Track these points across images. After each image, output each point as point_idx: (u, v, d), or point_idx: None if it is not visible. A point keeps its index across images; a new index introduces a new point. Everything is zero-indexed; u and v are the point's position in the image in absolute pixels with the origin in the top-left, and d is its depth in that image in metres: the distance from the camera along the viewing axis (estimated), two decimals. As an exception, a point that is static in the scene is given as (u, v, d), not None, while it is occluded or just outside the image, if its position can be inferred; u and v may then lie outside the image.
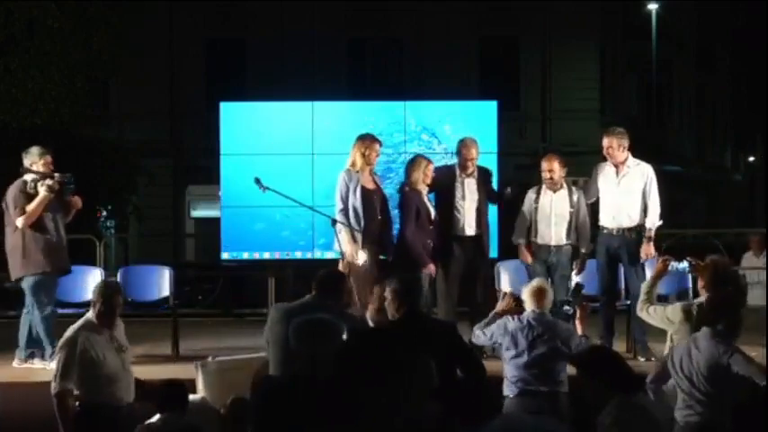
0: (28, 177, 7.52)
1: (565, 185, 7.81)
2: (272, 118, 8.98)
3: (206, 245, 19.40)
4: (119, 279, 8.30)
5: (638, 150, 7.87)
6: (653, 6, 25.77)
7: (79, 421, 5.71)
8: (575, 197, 7.76)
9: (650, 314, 6.01)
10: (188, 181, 23.59)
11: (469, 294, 7.83)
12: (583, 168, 9.12)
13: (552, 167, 7.73)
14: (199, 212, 23.28)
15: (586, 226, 7.88)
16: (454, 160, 8.04)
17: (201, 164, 19.97)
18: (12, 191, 7.49)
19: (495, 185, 8.24)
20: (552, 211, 7.75)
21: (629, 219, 7.64)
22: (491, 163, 8.42)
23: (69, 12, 15.97)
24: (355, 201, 7.45)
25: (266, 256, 8.79)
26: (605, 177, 7.75)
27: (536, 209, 7.79)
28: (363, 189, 7.51)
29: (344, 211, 7.48)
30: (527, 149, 21.91)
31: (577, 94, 23.91)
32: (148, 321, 8.95)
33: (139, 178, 18.69)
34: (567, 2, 23.22)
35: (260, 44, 23.49)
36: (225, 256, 8.87)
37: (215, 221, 9.49)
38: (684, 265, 6.55)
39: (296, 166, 8.74)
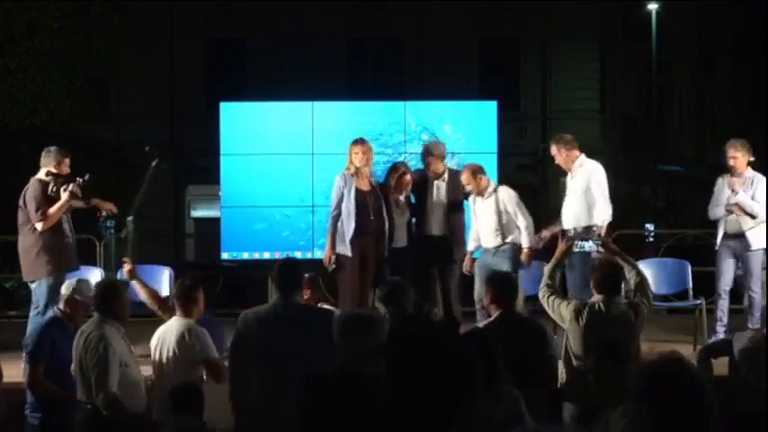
0: (46, 178, 7.37)
1: (491, 190, 7.98)
2: (272, 118, 9.00)
3: (206, 245, 19.39)
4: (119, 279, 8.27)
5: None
6: (653, 6, 25.73)
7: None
8: (500, 196, 7.94)
9: (549, 304, 5.86)
10: (188, 181, 23.58)
11: (443, 292, 8.10)
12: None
13: (466, 179, 7.93)
14: (199, 212, 23.28)
15: (518, 223, 7.96)
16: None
17: (201, 164, 19.96)
18: (31, 191, 7.32)
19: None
20: (482, 217, 8.00)
21: (576, 219, 7.75)
22: (491, 163, 8.44)
23: (69, 12, 15.97)
24: (350, 203, 7.60)
25: (266, 256, 8.80)
26: (566, 183, 8.00)
27: (474, 215, 8.08)
28: (357, 191, 7.66)
29: (336, 216, 7.67)
30: (527, 149, 21.90)
31: (577, 94, 23.87)
32: (148, 321, 8.92)
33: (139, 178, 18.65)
34: (567, 2, 23.20)
35: (260, 44, 23.47)
36: (225, 256, 8.88)
37: (215, 221, 9.49)
38: (591, 243, 6.55)
39: (296, 166, 8.75)
